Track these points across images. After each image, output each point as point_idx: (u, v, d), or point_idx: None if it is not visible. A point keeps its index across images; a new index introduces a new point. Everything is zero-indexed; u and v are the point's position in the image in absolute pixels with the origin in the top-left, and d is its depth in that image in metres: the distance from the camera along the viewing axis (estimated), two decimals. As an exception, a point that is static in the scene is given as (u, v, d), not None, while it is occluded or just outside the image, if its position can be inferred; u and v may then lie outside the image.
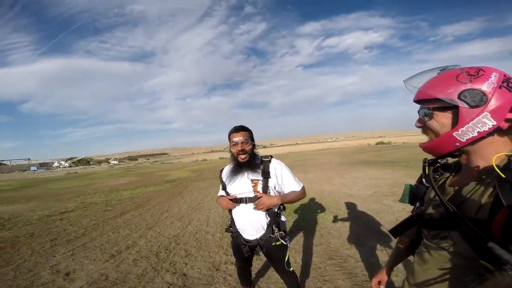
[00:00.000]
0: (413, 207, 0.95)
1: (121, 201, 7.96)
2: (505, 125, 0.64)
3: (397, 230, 0.96)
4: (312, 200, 5.98)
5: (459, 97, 0.66)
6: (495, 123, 0.64)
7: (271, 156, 1.85)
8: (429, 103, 0.73)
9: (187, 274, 2.92)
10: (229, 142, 1.79)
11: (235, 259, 2.18)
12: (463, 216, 0.67)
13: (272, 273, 2.78)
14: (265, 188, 1.73)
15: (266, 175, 1.74)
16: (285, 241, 1.85)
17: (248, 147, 1.76)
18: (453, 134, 0.69)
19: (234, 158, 1.80)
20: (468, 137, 0.67)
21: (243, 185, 1.77)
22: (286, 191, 1.80)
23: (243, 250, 1.86)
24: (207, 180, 12.07)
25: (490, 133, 0.66)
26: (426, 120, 0.75)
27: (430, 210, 0.83)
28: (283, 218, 1.88)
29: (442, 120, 0.71)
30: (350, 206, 5.17)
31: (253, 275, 2.67)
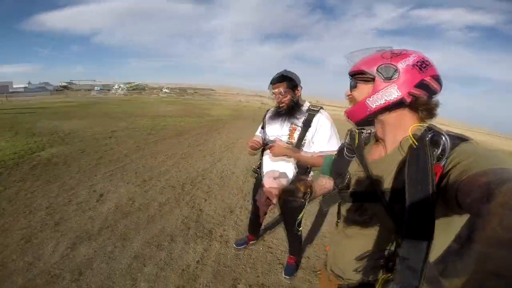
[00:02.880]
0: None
1: (165, 126, 8.56)
2: (408, 98, 0.71)
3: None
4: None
5: (377, 70, 0.74)
6: (400, 94, 0.71)
7: (321, 107, 1.72)
8: (357, 76, 0.80)
9: (203, 210, 3.14)
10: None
11: (252, 203, 2.23)
12: (384, 187, 0.73)
13: (279, 229, 2.83)
14: (302, 137, 1.67)
15: (307, 124, 1.66)
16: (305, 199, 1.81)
17: (286, 98, 1.67)
18: (366, 101, 0.76)
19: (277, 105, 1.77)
20: (377, 104, 0.74)
21: (281, 127, 1.74)
22: (314, 148, 1.68)
23: (261, 193, 1.87)
24: (245, 120, 12.21)
25: (396, 104, 0.72)
26: (352, 91, 0.83)
27: (354, 181, 0.87)
28: (311, 176, 1.81)
29: (363, 90, 0.78)
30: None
31: (262, 228, 2.78)
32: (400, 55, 0.73)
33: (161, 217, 2.92)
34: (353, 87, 0.83)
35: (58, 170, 4.23)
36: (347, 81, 0.85)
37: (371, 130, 0.91)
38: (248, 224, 2.54)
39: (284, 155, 1.70)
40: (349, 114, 0.85)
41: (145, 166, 4.56)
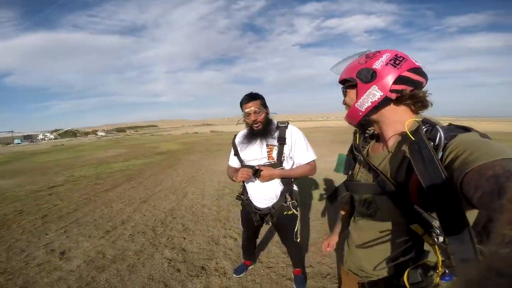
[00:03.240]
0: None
1: (111, 174, 7.78)
2: (392, 95, 0.75)
3: (332, 196, 1.07)
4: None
5: (356, 76, 0.78)
6: (382, 93, 0.75)
7: (288, 122, 1.77)
8: (344, 84, 0.87)
9: (186, 249, 2.88)
10: (242, 111, 1.71)
11: (242, 230, 2.17)
12: (386, 181, 0.75)
13: (272, 247, 2.79)
14: (280, 154, 1.69)
15: (281, 141, 1.69)
16: (297, 210, 1.84)
17: (261, 117, 1.68)
18: (355, 105, 0.82)
19: (249, 126, 1.74)
20: (365, 107, 0.79)
21: (258, 150, 1.72)
22: (295, 161, 1.75)
23: (253, 218, 1.84)
24: (198, 153, 11.96)
25: (382, 102, 0.76)
26: (345, 98, 0.88)
27: (358, 176, 0.93)
28: (295, 188, 1.86)
29: (351, 96, 0.84)
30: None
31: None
32: (373, 57, 0.77)
33: (143, 264, 2.58)
34: (343, 94, 0.89)
35: (-3, 234, 3.49)
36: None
37: (373, 130, 0.96)
38: (242, 250, 2.43)
39: (272, 177, 1.70)
40: (348, 119, 0.90)
41: (102, 217, 4.02)
